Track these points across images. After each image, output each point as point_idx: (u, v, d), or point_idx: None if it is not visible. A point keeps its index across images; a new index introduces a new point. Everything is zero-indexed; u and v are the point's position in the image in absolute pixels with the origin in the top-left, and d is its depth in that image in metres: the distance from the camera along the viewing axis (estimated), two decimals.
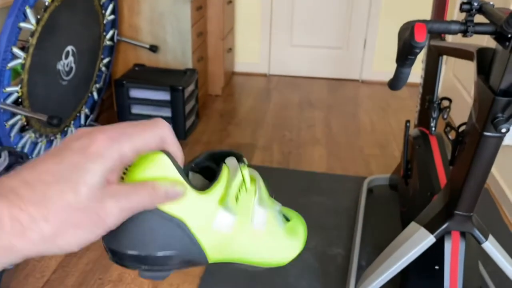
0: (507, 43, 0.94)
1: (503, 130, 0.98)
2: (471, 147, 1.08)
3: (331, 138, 2.71)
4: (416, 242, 1.23)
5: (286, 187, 2.20)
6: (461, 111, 2.76)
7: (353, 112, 3.08)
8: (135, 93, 2.57)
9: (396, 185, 1.98)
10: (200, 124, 2.83)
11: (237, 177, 0.39)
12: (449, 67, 3.12)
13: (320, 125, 2.87)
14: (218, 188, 0.38)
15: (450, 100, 1.55)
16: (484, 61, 1.09)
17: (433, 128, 1.62)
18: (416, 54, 0.90)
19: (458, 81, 2.91)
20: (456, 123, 2.81)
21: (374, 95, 3.36)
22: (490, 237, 1.22)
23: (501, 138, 1.04)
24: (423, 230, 1.24)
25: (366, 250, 1.79)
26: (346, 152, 2.54)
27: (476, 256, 1.32)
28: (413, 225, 1.29)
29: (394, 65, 3.31)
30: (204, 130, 2.76)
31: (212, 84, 3.26)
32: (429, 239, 1.22)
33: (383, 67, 3.55)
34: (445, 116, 1.53)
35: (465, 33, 0.97)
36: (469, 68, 2.73)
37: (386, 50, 3.49)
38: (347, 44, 3.54)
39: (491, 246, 1.21)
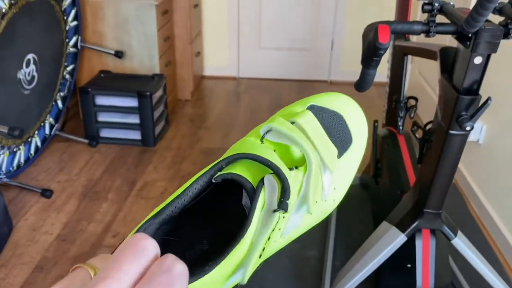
0: (468, 42, 0.96)
1: (468, 128, 0.99)
2: (438, 146, 1.10)
3: None
4: (388, 241, 1.24)
5: None
6: (428, 109, 2.81)
7: None
8: (101, 100, 2.50)
9: (367, 184, 2.00)
10: (170, 129, 2.79)
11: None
12: (415, 65, 3.18)
13: None
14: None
15: (416, 99, 1.57)
16: (447, 60, 1.11)
17: (401, 127, 1.64)
18: (380, 56, 0.91)
19: (424, 79, 2.97)
20: (424, 121, 2.87)
21: None
22: (459, 233, 1.24)
23: (466, 136, 1.05)
24: (394, 229, 1.25)
25: (340, 250, 1.80)
26: None
27: (446, 252, 1.34)
28: (384, 224, 1.30)
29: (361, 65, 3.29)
30: (174, 135, 2.72)
31: (181, 88, 3.22)
32: (401, 238, 1.23)
33: (351, 67, 3.59)
34: (412, 115, 1.55)
35: (427, 33, 0.98)
36: (434, 67, 2.80)
37: (353, 50, 3.53)
38: (315, 45, 3.57)
39: (460, 242, 1.23)
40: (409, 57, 3.26)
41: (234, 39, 3.58)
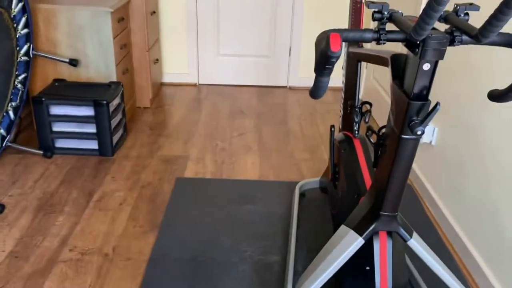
0: (416, 50, 0.99)
1: (419, 133, 1.03)
2: (391, 150, 1.13)
3: (263, 145, 2.73)
4: (347, 245, 1.26)
5: (220, 197, 2.18)
6: (383, 113, 2.90)
7: (282, 118, 3.13)
8: (56, 110, 2.43)
9: (326, 188, 2.03)
10: (128, 138, 2.74)
11: None
12: (369, 70, 3.27)
13: (252, 132, 2.89)
14: None
15: (370, 104, 1.61)
16: (397, 66, 1.14)
17: (357, 132, 1.68)
18: (333, 64, 0.92)
19: (379, 84, 3.06)
20: (380, 124, 2.95)
21: (302, 101, 3.44)
22: (414, 234, 1.27)
23: (418, 140, 1.09)
24: (352, 233, 1.27)
25: (302, 255, 1.81)
26: (277, 158, 2.57)
27: (403, 252, 1.37)
28: (342, 228, 1.32)
29: None
30: (133, 144, 2.67)
31: (140, 96, 3.17)
32: (358, 241, 1.25)
33: (309, 73, 3.65)
34: (366, 120, 1.59)
35: (378, 41, 1.01)
36: (387, 72, 2.89)
37: (310, 56, 3.59)
38: (273, 52, 3.60)
39: (415, 243, 1.26)
40: (363, 63, 3.35)
41: (193, 46, 3.56)
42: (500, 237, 1.59)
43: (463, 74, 1.89)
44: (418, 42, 0.99)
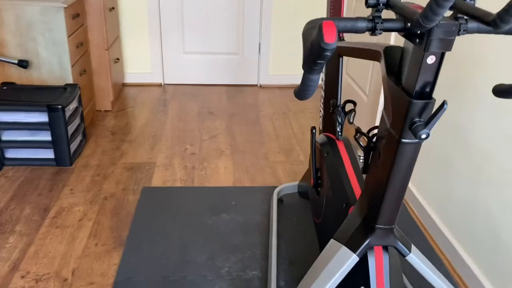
0: (417, 40, 0.85)
1: (423, 136, 0.89)
2: (389, 156, 0.99)
3: (236, 147, 2.56)
4: (340, 263, 1.12)
5: (191, 207, 2.00)
6: (360, 112, 2.78)
7: (255, 118, 2.97)
8: (4, 116, 2.18)
9: (306, 192, 1.89)
10: (88, 145, 2.51)
11: None
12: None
13: (223, 134, 2.72)
14: None
15: (354, 103, 1.48)
16: (392, 61, 1.01)
17: (340, 133, 1.54)
18: (326, 58, 0.77)
19: (353, 80, 2.94)
20: (356, 123, 2.84)
21: (274, 100, 3.30)
22: (413, 248, 1.14)
23: (420, 144, 0.95)
24: (344, 249, 1.13)
25: (284, 268, 1.66)
26: (252, 162, 2.41)
27: (399, 267, 1.24)
28: (333, 243, 1.18)
29: (290, 68, 3.25)
30: (94, 151, 2.45)
31: (100, 99, 2.94)
32: (352, 259, 1.11)
33: (280, 71, 3.51)
34: (351, 120, 1.45)
35: (373, 31, 0.86)
36: (361, 66, 2.79)
37: (280, 53, 3.45)
38: (242, 49, 3.44)
39: (415, 258, 1.13)
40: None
41: (156, 44, 3.35)
42: (492, 240, 1.49)
43: (449, 68, 1.79)
44: (419, 32, 0.85)
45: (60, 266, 1.64)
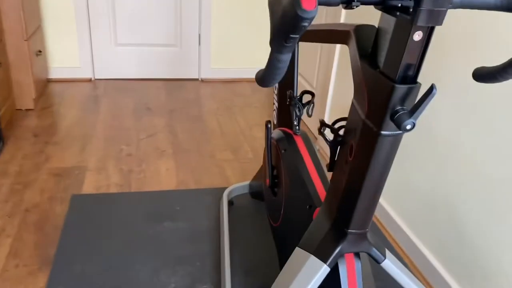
0: (398, 13, 0.72)
1: (408, 127, 0.76)
2: (365, 150, 0.85)
3: (178, 146, 2.36)
4: (309, 275, 0.98)
5: (130, 215, 1.77)
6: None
7: (197, 114, 2.77)
8: None
9: (259, 193, 1.73)
10: (6, 149, 2.19)
11: None
12: None
13: (163, 133, 2.50)
14: None
15: (312, 94, 1.34)
16: (366, 42, 0.87)
17: (297, 128, 1.40)
18: (302, 31, 0.61)
19: (299, 73, 2.83)
20: (307, 117, 2.73)
21: (217, 94, 3.11)
22: (388, 253, 1.02)
23: (401, 136, 0.83)
24: (313, 259, 0.99)
25: (238, 279, 1.50)
26: (197, 161, 2.22)
27: (370, 274, 1.12)
28: (299, 252, 1.03)
29: (233, 61, 3.05)
30: (13, 156, 2.13)
31: (20, 96, 2.60)
32: (323, 269, 0.97)
33: (222, 64, 3.33)
34: (310, 113, 1.31)
35: (349, 3, 0.72)
36: (308, 59, 2.67)
37: (222, 45, 3.27)
38: (181, 41, 3.22)
39: (390, 264, 1.01)
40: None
41: (84, 35, 3.04)
42: (456, 235, 1.42)
43: None
44: (401, 5, 0.72)
45: None
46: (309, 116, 1.31)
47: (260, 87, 3.27)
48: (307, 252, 1.01)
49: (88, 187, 1.94)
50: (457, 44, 1.40)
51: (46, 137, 2.34)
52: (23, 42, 2.49)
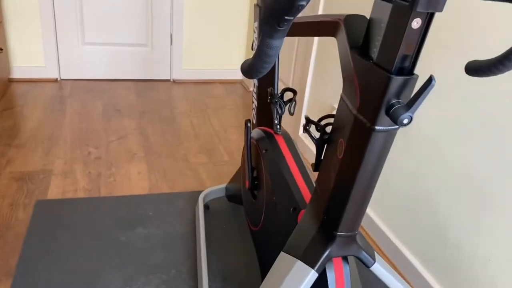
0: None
1: (405, 121, 0.71)
2: (357, 148, 0.80)
3: (150, 149, 2.26)
4: (296, 281, 0.92)
5: (99, 222, 1.67)
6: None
7: (170, 116, 2.68)
8: None
9: (236, 196, 1.67)
10: None
11: None
12: None
13: (134, 135, 2.39)
14: None
15: (294, 91, 1.28)
16: (357, 32, 0.82)
17: (278, 126, 1.34)
18: (298, 11, 0.55)
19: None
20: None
21: (189, 95, 3.03)
22: (377, 256, 0.98)
23: (395, 131, 0.78)
24: (300, 265, 0.93)
25: (216, 286, 1.42)
26: (170, 164, 2.13)
27: (357, 277, 1.07)
28: (284, 257, 0.97)
29: (206, 62, 2.96)
30: None
31: None
32: (311, 275, 0.91)
33: (194, 64, 3.25)
34: (292, 111, 1.26)
35: None
36: (283, 57, 2.61)
37: (194, 45, 3.19)
38: (151, 40, 3.12)
39: (380, 268, 0.97)
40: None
41: (49, 33, 2.90)
42: (438, 237, 1.39)
43: None
44: None
45: None
46: (291, 114, 1.26)
47: (234, 89, 3.20)
48: (293, 257, 0.95)
49: (54, 192, 1.82)
50: (434, 43, 1.38)
51: (7, 139, 2.20)
52: None
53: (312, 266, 0.92)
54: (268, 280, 0.97)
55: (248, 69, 0.69)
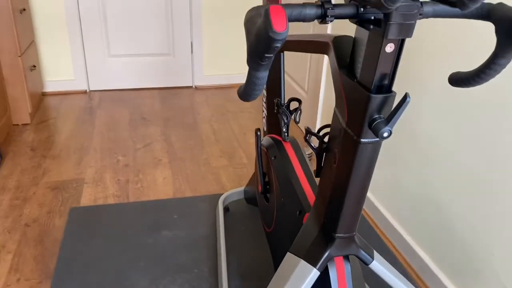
0: (371, 26, 0.75)
1: (385, 135, 0.79)
2: (346, 158, 0.89)
3: (174, 155, 2.39)
4: (300, 279, 1.01)
5: (128, 226, 1.81)
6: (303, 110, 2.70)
7: (192, 122, 2.80)
8: None
9: (253, 198, 1.76)
10: (4, 164, 2.22)
11: None
12: None
13: (159, 141, 2.53)
14: None
15: (299, 101, 1.37)
16: (343, 52, 0.90)
17: (286, 134, 1.43)
18: (275, 51, 0.65)
19: (290, 77, 2.87)
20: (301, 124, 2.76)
21: (211, 101, 3.15)
22: (376, 254, 1.05)
23: (380, 143, 0.86)
24: (303, 264, 1.02)
25: (234, 284, 1.53)
26: (193, 169, 2.25)
27: (361, 274, 1.15)
28: (290, 257, 1.06)
29: (226, 68, 3.09)
30: (11, 171, 2.16)
31: (16, 111, 2.63)
32: (313, 273, 1.00)
33: (215, 70, 3.36)
34: (297, 119, 1.35)
35: (323, 18, 0.75)
36: (298, 62, 2.70)
37: (214, 52, 3.30)
38: (173, 49, 3.25)
39: (378, 265, 1.05)
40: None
41: (77, 48, 3.08)
42: (446, 232, 1.45)
43: None
44: (374, 18, 0.75)
45: None
46: (296, 122, 1.35)
47: None
48: (297, 257, 1.04)
49: (86, 200, 1.97)
50: (437, 48, 1.43)
51: (43, 151, 2.37)
52: (17, 58, 2.52)
53: (314, 265, 1.01)
54: (276, 278, 1.07)
55: (242, 94, 0.79)
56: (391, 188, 1.76)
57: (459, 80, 0.91)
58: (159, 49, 3.23)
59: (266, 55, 0.65)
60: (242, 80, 3.42)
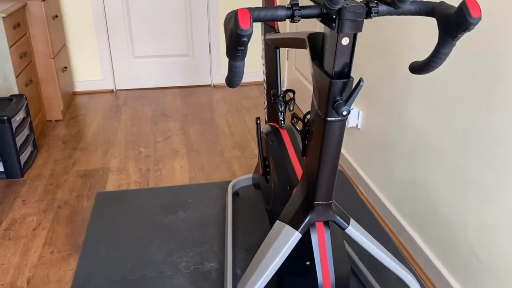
0: (333, 24, 0.92)
1: (344, 113, 0.96)
2: (318, 135, 1.06)
3: (191, 147, 2.59)
4: (284, 241, 1.18)
5: (147, 208, 2.02)
6: (307, 101, 2.87)
7: (209, 117, 3.01)
8: None
9: (259, 184, 1.94)
10: (40, 155, 2.48)
11: None
12: (291, 61, 3.24)
13: (178, 135, 2.74)
14: None
15: (293, 92, 1.54)
16: (316, 46, 1.07)
17: (282, 122, 1.61)
18: (245, 44, 0.82)
19: (300, 73, 3.03)
20: (305, 112, 2.92)
21: (228, 98, 3.34)
22: (352, 221, 1.22)
23: (344, 121, 1.02)
24: (288, 228, 1.19)
25: (240, 257, 1.71)
26: (207, 159, 2.45)
27: (342, 240, 1.32)
28: (278, 224, 1.24)
29: None
30: (46, 161, 2.42)
31: (49, 108, 2.89)
32: (295, 236, 1.17)
33: None
34: (291, 108, 1.52)
35: (292, 18, 0.92)
36: (306, 59, 2.87)
37: None
38: (193, 50, 3.47)
39: (354, 230, 1.20)
40: (286, 53, 3.31)
41: (104, 50, 3.33)
42: (432, 212, 1.59)
43: (382, 55, 1.89)
44: (335, 16, 0.92)
45: (15, 277, 1.63)
46: (290, 111, 1.52)
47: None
48: (283, 223, 1.22)
49: (111, 185, 2.20)
50: (421, 43, 1.58)
51: (73, 144, 2.62)
52: (50, 60, 2.78)
53: (297, 228, 1.18)
54: (265, 242, 1.24)
55: (227, 82, 0.97)
56: (386, 175, 1.91)
57: (416, 68, 1.07)
58: (179, 50, 3.45)
59: (239, 47, 0.83)
60: (259, 78, 3.60)
